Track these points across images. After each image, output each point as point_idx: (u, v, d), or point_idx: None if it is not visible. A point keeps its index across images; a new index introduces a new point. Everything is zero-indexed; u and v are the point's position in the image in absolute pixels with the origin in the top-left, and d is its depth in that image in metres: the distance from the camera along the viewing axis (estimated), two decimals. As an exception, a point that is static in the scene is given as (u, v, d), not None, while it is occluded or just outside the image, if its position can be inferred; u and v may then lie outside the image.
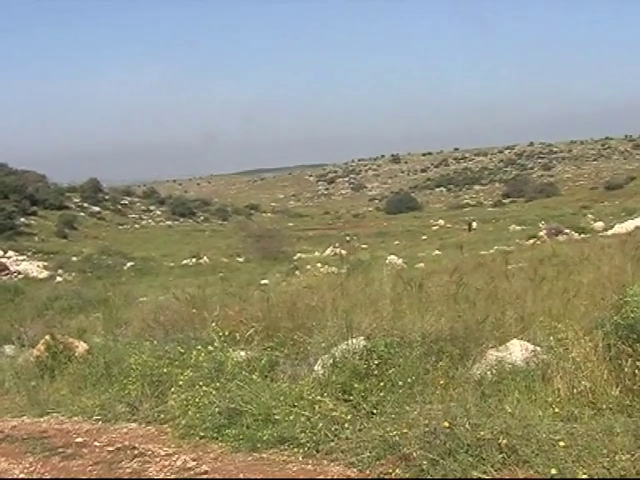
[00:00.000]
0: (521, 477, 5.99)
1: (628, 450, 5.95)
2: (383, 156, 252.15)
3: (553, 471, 5.80)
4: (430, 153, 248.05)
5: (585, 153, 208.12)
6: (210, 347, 9.95)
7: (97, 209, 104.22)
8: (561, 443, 6.19)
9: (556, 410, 7.01)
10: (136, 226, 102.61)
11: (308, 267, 36.88)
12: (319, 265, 37.07)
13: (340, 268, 28.87)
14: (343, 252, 49.15)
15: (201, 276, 40.72)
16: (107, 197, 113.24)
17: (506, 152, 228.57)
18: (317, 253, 55.31)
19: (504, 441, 6.22)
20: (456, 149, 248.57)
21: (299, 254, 55.10)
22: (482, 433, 6.34)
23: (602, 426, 6.43)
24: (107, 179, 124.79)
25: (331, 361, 9.03)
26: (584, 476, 5.64)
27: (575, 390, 7.35)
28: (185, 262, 58.66)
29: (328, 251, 55.10)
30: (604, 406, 6.98)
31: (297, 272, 33.65)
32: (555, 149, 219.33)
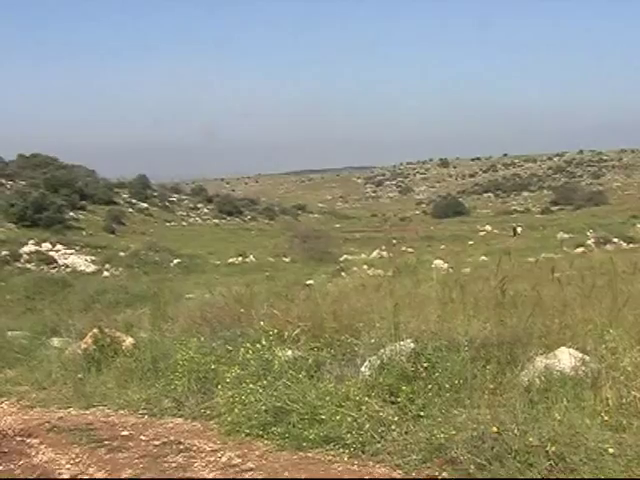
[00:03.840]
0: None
1: (678, 462, 5.92)
2: (431, 160, 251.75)
3: (601, 477, 5.79)
4: (479, 158, 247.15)
5: (635, 162, 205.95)
6: (258, 345, 10.00)
7: (145, 205, 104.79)
8: (610, 450, 6.17)
9: (605, 419, 6.98)
10: (183, 223, 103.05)
11: (354, 269, 36.86)
12: (365, 267, 37.09)
13: (386, 271, 28.78)
14: (390, 255, 49.16)
15: (247, 275, 40.88)
16: (155, 194, 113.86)
17: (555, 159, 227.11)
18: (363, 255, 55.24)
19: (552, 448, 6.21)
20: (505, 155, 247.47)
21: (345, 256, 55.14)
22: (530, 439, 6.33)
23: (651, 436, 6.41)
24: (156, 176, 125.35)
25: (378, 363, 9.04)
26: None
27: (624, 400, 7.30)
28: (231, 260, 58.87)
29: (374, 253, 55.01)
30: (653, 417, 6.94)
31: (343, 274, 33.61)
32: (605, 157, 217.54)
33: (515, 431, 6.47)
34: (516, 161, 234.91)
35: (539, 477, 6.01)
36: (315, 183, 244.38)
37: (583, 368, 8.10)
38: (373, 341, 9.76)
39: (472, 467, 6.24)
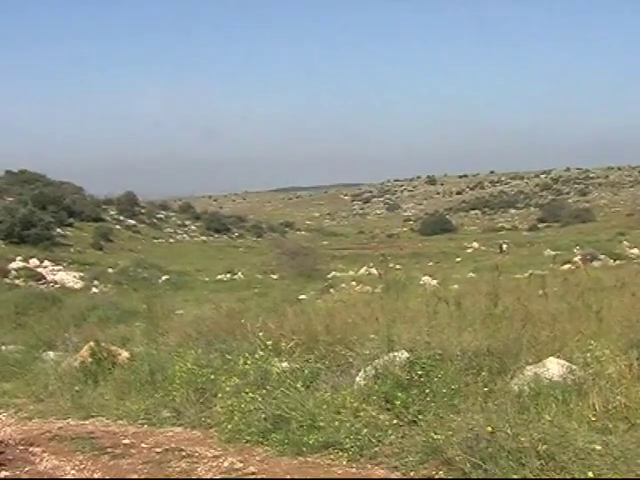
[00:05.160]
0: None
1: (660, 461, 6.22)
2: (419, 177, 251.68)
3: (589, 474, 6.09)
4: (466, 175, 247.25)
5: (622, 180, 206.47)
6: (256, 356, 10.26)
7: (133, 222, 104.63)
8: (597, 447, 6.47)
9: (592, 423, 7.28)
10: (171, 240, 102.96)
11: (343, 285, 37.01)
12: (354, 284, 37.25)
13: (375, 287, 29.03)
14: (378, 271, 49.38)
15: (236, 291, 40.97)
16: (143, 211, 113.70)
17: (542, 177, 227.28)
18: (351, 272, 55.37)
19: (543, 447, 6.51)
20: (492, 172, 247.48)
21: (334, 272, 55.23)
22: (522, 440, 6.63)
23: (636, 438, 6.71)
24: (143, 193, 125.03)
25: (373, 372, 9.34)
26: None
27: (610, 405, 7.61)
28: (220, 277, 58.91)
29: (362, 270, 55.15)
30: (638, 421, 7.24)
31: (332, 290, 33.77)
32: (592, 175, 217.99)
33: (508, 431, 6.76)
34: (503, 178, 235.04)
35: (531, 476, 6.30)
36: (302, 200, 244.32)
37: (571, 376, 8.41)
38: (368, 352, 10.03)
39: (467, 466, 6.53)
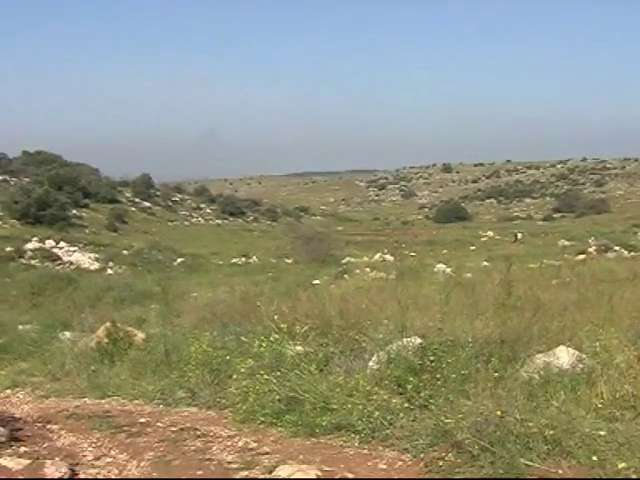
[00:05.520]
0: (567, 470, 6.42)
1: (665, 448, 6.37)
2: (434, 165, 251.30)
3: (594, 458, 6.25)
4: (482, 164, 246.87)
5: (638, 171, 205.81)
6: (271, 338, 10.41)
7: (148, 204, 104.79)
8: (602, 432, 6.63)
9: (599, 411, 7.43)
10: (186, 223, 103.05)
11: (357, 271, 37.08)
12: (368, 270, 37.29)
13: (389, 273, 29.14)
14: (392, 258, 49.42)
15: (250, 275, 41.08)
16: (158, 193, 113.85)
17: (558, 166, 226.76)
18: (365, 258, 55.39)
19: (550, 432, 6.68)
20: (508, 161, 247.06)
21: (348, 258, 55.24)
22: (530, 425, 6.79)
23: (642, 427, 6.85)
24: (159, 175, 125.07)
25: (386, 357, 9.49)
26: (623, 464, 6.06)
27: (618, 394, 7.74)
28: (234, 261, 59.00)
29: (377, 256, 55.19)
30: (644, 410, 7.38)
31: (346, 276, 33.89)
32: (608, 165, 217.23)
33: (517, 417, 6.92)
34: (519, 167, 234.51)
35: (538, 460, 6.46)
36: (318, 185, 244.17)
37: (580, 365, 8.56)
38: (381, 337, 10.18)
39: (476, 449, 6.68)
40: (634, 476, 6.02)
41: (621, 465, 6.14)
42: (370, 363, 9.69)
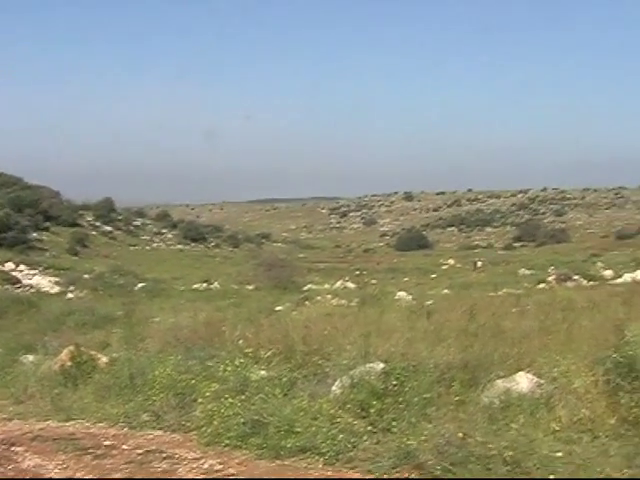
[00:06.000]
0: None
1: (619, 469, 6.57)
2: (396, 193, 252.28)
3: (551, 477, 6.44)
4: (443, 193, 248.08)
5: (598, 201, 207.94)
6: (236, 362, 10.53)
7: (109, 228, 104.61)
8: (559, 454, 6.82)
9: (558, 434, 7.62)
10: (147, 248, 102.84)
11: (318, 298, 37.15)
12: (329, 297, 37.39)
13: (350, 300, 29.32)
14: (354, 285, 49.60)
15: (212, 301, 40.95)
16: (120, 217, 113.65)
17: (519, 196, 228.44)
18: (327, 285, 55.50)
19: (509, 454, 6.86)
20: (469, 190, 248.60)
21: (309, 285, 55.30)
22: (490, 447, 6.97)
23: (598, 449, 7.06)
24: (121, 199, 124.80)
25: (349, 382, 9.66)
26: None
27: (575, 418, 7.96)
28: (196, 286, 58.83)
29: (338, 284, 55.34)
30: (601, 433, 7.58)
31: (307, 302, 33.94)
32: (568, 195, 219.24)
33: (478, 439, 7.10)
34: (480, 196, 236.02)
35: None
36: (280, 212, 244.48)
37: (539, 390, 8.76)
38: (346, 362, 10.33)
39: (438, 470, 6.85)
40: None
41: (578, 486, 6.35)
42: (333, 388, 9.85)
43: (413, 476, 7.03)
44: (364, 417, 8.78)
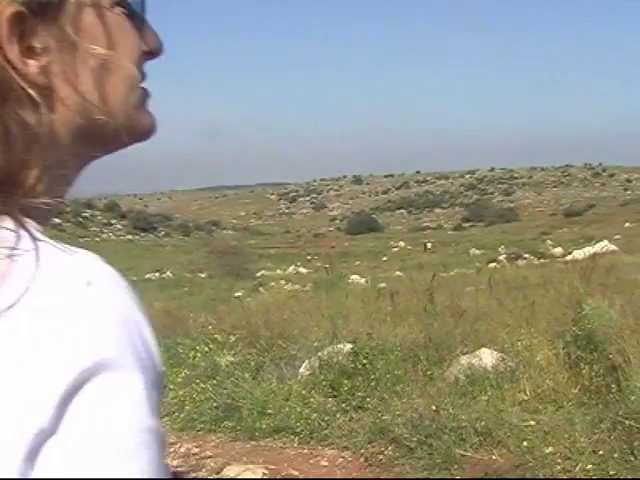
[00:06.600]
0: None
1: (586, 435, 6.86)
2: (345, 177, 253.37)
3: (524, 444, 6.72)
4: (392, 175, 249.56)
5: (545, 180, 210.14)
6: (206, 349, 10.72)
7: (58, 220, 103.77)
8: (531, 422, 7.11)
9: (523, 404, 7.92)
10: (97, 239, 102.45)
11: (272, 284, 37.35)
12: (283, 282, 37.62)
13: (304, 285, 29.58)
14: (305, 271, 49.89)
15: (165, 290, 40.95)
16: (68, 209, 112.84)
17: (467, 177, 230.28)
18: (279, 271, 55.75)
19: (481, 424, 7.14)
20: (418, 172, 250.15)
21: (262, 271, 55.46)
22: (462, 418, 7.25)
23: (564, 417, 7.33)
24: (69, 190, 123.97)
25: (318, 363, 9.88)
26: (550, 449, 6.54)
27: (540, 389, 8.25)
28: (148, 276, 58.73)
29: (291, 269, 55.69)
30: (565, 403, 7.86)
31: (261, 289, 34.12)
32: (516, 175, 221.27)
33: (450, 411, 7.38)
34: (429, 178, 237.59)
35: (471, 450, 6.91)
36: (229, 199, 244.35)
37: (503, 365, 9.04)
38: (315, 344, 10.56)
39: (413, 443, 7.10)
40: (559, 460, 6.50)
41: (548, 450, 6.62)
42: (301, 369, 10.06)
43: (389, 449, 7.27)
44: (335, 396, 9.01)
